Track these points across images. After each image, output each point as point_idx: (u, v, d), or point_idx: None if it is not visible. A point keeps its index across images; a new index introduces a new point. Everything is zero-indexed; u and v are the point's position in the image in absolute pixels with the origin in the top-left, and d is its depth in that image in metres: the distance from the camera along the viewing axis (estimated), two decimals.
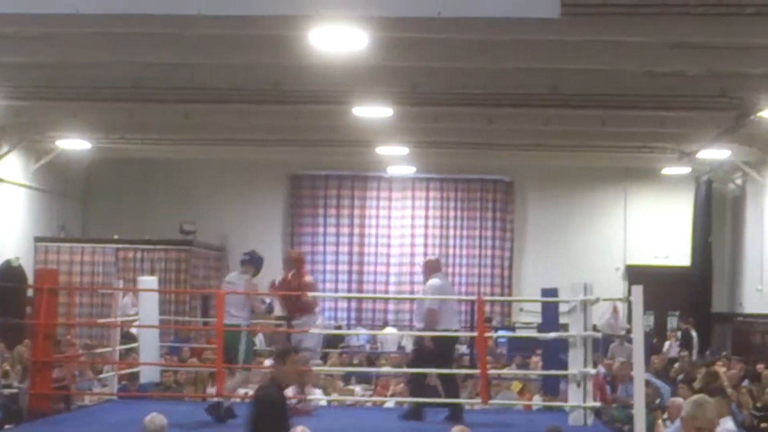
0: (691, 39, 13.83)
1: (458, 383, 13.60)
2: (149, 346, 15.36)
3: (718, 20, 12.67)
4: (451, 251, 27.85)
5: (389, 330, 24.27)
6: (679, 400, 14.30)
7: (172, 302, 23.88)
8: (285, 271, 14.03)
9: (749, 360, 20.53)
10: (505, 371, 17.59)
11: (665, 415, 14.13)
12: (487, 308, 24.61)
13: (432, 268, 13.70)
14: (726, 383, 17.02)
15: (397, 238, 27.99)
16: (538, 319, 17.32)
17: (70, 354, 16.56)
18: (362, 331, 25.13)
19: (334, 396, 15.85)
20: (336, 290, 27.24)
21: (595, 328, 14.34)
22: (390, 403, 15.36)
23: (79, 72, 16.60)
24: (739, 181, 25.21)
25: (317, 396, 14.90)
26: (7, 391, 16.26)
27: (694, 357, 22.58)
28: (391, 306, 27.62)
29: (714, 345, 25.09)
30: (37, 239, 24.73)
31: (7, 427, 14.30)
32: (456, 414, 12.56)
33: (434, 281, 13.34)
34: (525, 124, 19.82)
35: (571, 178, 27.13)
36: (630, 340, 18.46)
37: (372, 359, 20.72)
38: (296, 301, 13.66)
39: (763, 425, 15.14)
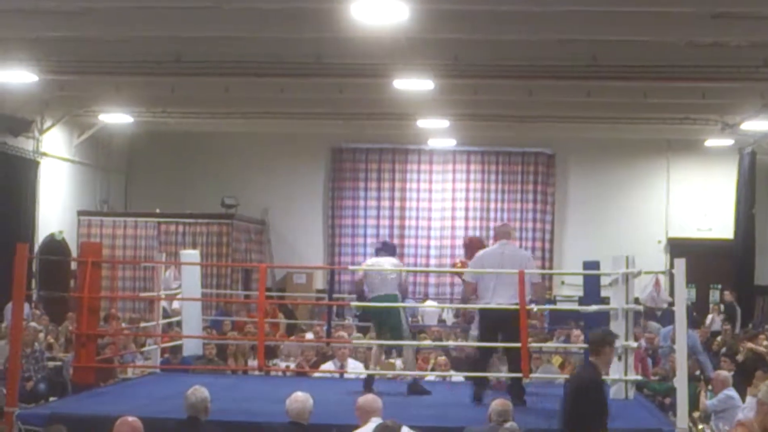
0: (734, 9, 13.71)
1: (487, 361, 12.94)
2: (192, 319, 15.45)
3: None
4: (491, 224, 27.73)
5: (430, 303, 24.24)
6: (724, 373, 14.25)
7: (214, 275, 23.99)
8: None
9: None
10: (546, 344, 17.57)
11: (709, 387, 14.07)
12: None
13: (495, 236, 13.15)
14: None
15: (438, 212, 27.96)
16: (580, 292, 17.24)
17: (113, 327, 16.69)
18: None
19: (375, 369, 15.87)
20: None
21: (637, 301, 14.27)
22: (431, 376, 15.36)
23: (121, 46, 16.66)
24: None
25: (358, 369, 14.94)
26: (51, 363, 16.43)
27: (737, 330, 22.47)
28: (432, 279, 27.63)
29: (757, 318, 24.94)
30: (81, 213, 24.90)
31: (51, 399, 14.47)
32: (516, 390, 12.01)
33: (480, 252, 13.00)
34: (566, 96, 19.72)
35: (612, 151, 26.99)
36: (655, 318, 18.47)
37: (413, 333, 20.74)
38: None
39: None
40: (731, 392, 13.65)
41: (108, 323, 17.52)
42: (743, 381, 14.56)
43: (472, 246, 13.80)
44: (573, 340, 17.40)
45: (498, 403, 9.52)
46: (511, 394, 11.75)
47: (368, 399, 8.94)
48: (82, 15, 14.50)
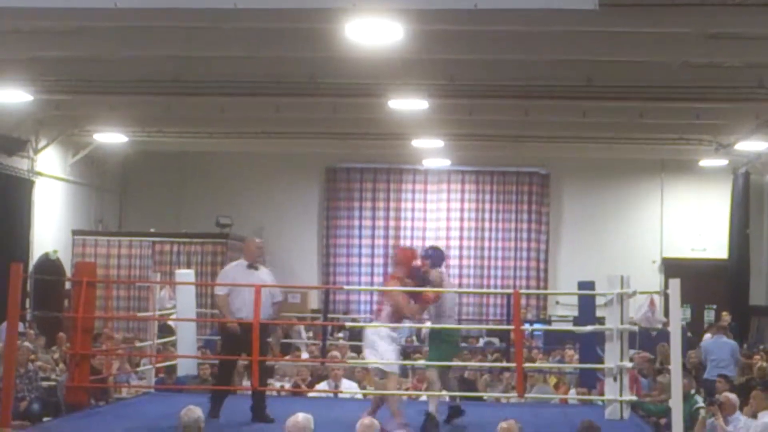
0: (729, 30, 13.75)
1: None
2: (186, 339, 15.40)
3: (756, 11, 12.60)
4: (486, 244, 27.81)
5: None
6: (732, 395, 14.11)
7: (209, 295, 23.92)
8: None
9: None
10: (540, 365, 17.52)
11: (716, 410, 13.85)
12: (523, 301, 24.49)
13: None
14: None
15: (433, 231, 27.95)
16: (575, 312, 17.25)
17: (108, 347, 16.64)
18: (407, 324, 24.96)
19: (370, 389, 15.84)
20: (371, 283, 27.24)
21: (632, 322, 14.24)
22: (425, 396, 15.29)
23: (117, 66, 16.67)
24: None
25: (352, 389, 14.90)
26: (45, 383, 16.36)
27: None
28: None
29: (752, 338, 24.93)
30: (75, 232, 24.85)
31: (45, 419, 14.40)
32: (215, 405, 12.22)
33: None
34: (561, 116, 19.76)
35: (607, 170, 27.03)
36: (650, 338, 18.39)
37: (408, 352, 20.68)
38: None
39: None
40: (742, 416, 13.53)
41: (101, 343, 17.44)
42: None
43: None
44: (567, 360, 17.38)
45: (505, 425, 9.42)
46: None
47: (365, 423, 8.85)
48: (78, 34, 14.51)
